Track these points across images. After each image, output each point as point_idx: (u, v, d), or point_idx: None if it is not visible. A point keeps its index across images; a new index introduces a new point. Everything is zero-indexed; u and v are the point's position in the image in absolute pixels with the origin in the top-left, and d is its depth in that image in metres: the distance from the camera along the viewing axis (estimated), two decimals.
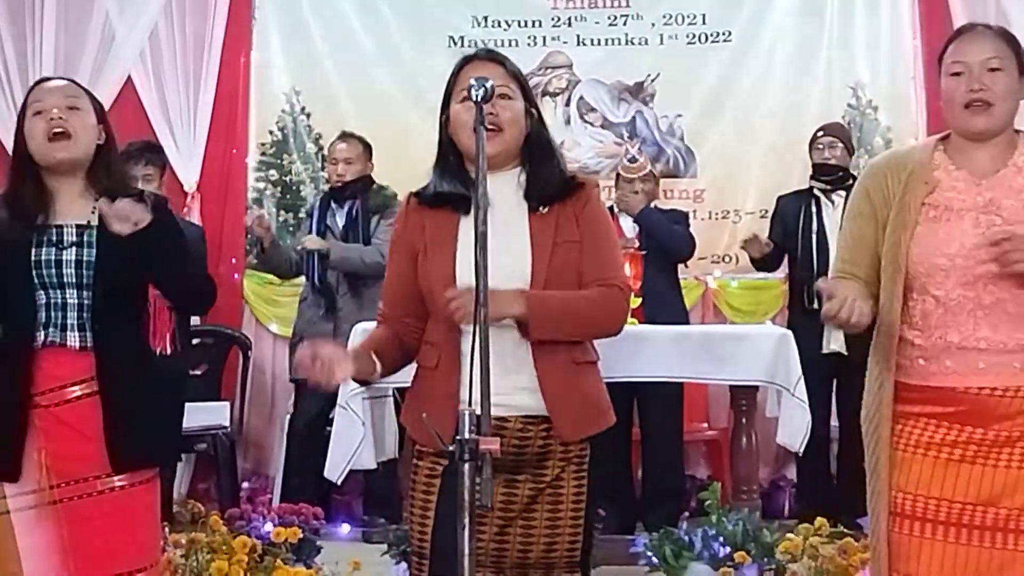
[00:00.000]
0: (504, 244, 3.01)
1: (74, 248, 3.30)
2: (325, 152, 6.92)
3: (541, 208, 3.17)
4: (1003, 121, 3.08)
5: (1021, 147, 3.11)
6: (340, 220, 6.42)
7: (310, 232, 6.42)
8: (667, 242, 6.21)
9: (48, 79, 3.50)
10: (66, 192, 3.37)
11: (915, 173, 3.12)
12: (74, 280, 3.28)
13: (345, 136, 6.58)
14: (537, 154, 3.19)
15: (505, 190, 3.13)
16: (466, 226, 3.12)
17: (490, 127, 3.02)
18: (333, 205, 6.47)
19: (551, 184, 3.17)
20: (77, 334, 3.29)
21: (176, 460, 4.38)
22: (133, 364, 3.32)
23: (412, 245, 3.21)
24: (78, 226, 3.33)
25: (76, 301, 3.29)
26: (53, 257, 3.28)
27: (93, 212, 3.34)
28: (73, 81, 3.52)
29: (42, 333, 3.28)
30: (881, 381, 3.12)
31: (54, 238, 3.31)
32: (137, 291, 3.43)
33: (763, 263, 6.49)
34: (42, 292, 3.29)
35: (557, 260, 3.13)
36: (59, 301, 3.29)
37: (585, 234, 3.17)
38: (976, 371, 3.02)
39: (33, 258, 3.28)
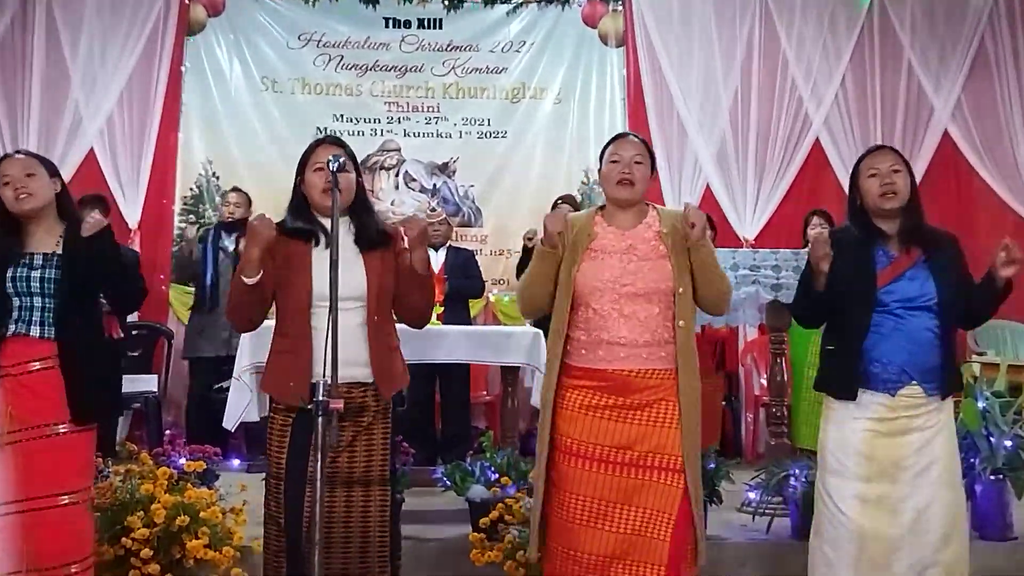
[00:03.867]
0: (348, 267, 3.08)
1: (41, 269, 3.26)
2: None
3: (371, 250, 3.23)
4: (639, 194, 3.17)
5: (650, 213, 3.20)
6: (229, 245, 6.32)
7: (203, 252, 6.31)
8: (467, 290, 6.28)
9: (10, 154, 3.39)
10: (36, 230, 3.32)
11: (583, 229, 3.17)
12: (39, 290, 3.24)
13: (236, 189, 6.65)
14: (359, 209, 3.23)
15: (342, 231, 3.12)
16: (317, 254, 3.14)
17: (329, 190, 3.07)
18: (223, 233, 6.38)
19: (372, 230, 3.20)
20: (39, 327, 3.25)
21: (119, 415, 4.23)
22: (86, 348, 3.26)
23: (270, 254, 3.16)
24: (45, 254, 3.29)
25: (40, 305, 3.25)
26: (25, 274, 3.25)
27: (57, 244, 3.29)
28: (29, 153, 3.42)
29: (12, 326, 3.24)
30: (553, 363, 3.14)
31: (26, 261, 3.27)
32: (89, 297, 3.36)
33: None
34: (15, 298, 3.25)
35: (385, 283, 3.18)
36: (27, 305, 3.25)
37: (399, 266, 3.21)
38: (619, 359, 3.08)
39: (8, 275, 3.25)
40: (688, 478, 3.02)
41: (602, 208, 3.24)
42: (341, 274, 2.89)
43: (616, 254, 3.12)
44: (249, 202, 6.52)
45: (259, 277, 3.05)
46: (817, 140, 7.55)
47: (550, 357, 3.16)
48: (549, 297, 3.15)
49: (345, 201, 3.17)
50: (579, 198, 7.18)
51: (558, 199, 6.67)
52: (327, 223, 3.12)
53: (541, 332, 5.13)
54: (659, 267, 3.11)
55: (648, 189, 3.24)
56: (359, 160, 3.42)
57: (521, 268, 6.28)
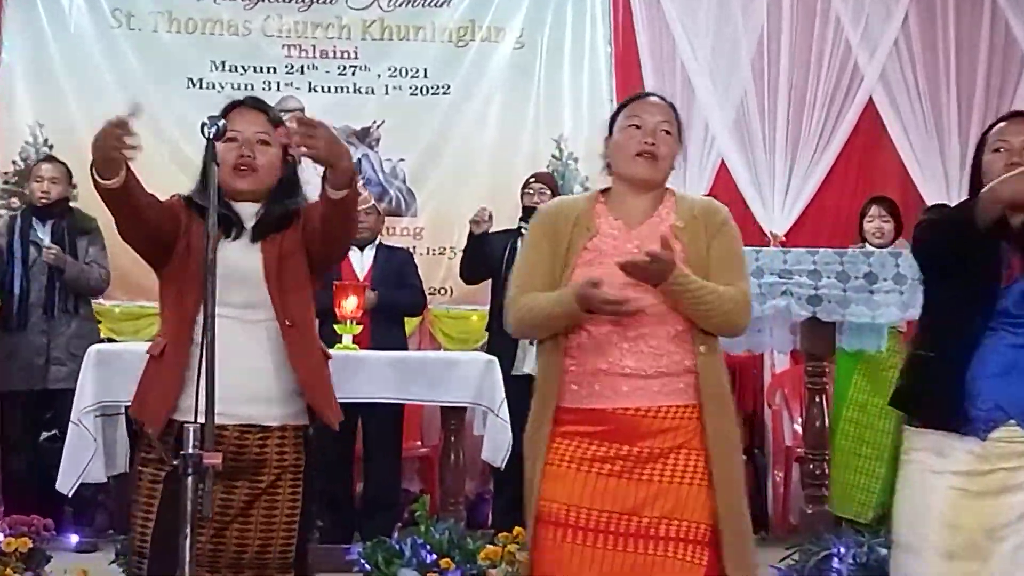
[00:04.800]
0: (239, 265, 3.18)
1: None
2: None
3: (267, 236, 3.25)
4: (663, 174, 3.23)
5: (667, 201, 3.25)
6: (45, 237, 6.20)
7: (9, 247, 6.16)
8: (402, 304, 6.34)
9: None
10: None
11: (580, 220, 3.22)
12: None
13: (50, 158, 6.44)
14: (282, 195, 3.28)
15: (250, 222, 3.24)
16: (221, 249, 3.11)
17: (243, 167, 3.20)
18: (35, 222, 6.23)
19: (274, 215, 3.25)
20: None
21: None
22: None
23: (181, 223, 3.25)
24: None
25: None
26: None
27: None
28: None
29: None
30: (544, 403, 3.17)
31: None
32: None
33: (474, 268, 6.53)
34: None
35: (292, 266, 3.24)
36: None
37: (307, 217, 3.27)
38: (622, 395, 3.11)
39: None
40: (724, 553, 3.04)
41: (605, 192, 3.30)
42: (233, 276, 3.00)
43: (620, 257, 3.15)
44: (69, 176, 6.31)
45: (121, 179, 3.04)
46: (870, 101, 7.62)
47: (542, 393, 3.19)
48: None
49: (261, 183, 3.25)
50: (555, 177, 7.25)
51: (531, 178, 6.69)
52: (243, 210, 3.22)
53: (495, 360, 5.32)
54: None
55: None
56: None
57: (468, 263, 6.52)
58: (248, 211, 3.25)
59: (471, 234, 6.38)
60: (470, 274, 6.61)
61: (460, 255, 6.71)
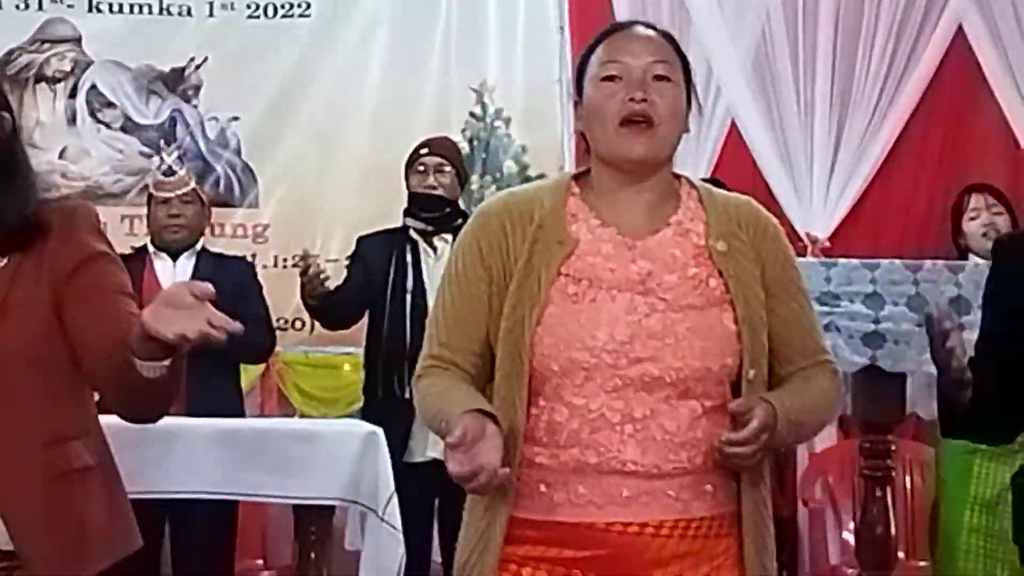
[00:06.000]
0: None
1: None
2: None
3: None
4: (667, 148, 3.18)
5: (685, 199, 3.23)
6: None
7: None
8: (238, 344, 6.12)
9: None
10: None
11: (546, 227, 3.19)
12: None
13: None
14: None
15: None
16: None
17: None
18: None
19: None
20: None
21: None
22: None
23: None
24: None
25: None
26: None
27: None
28: None
29: None
30: (491, 513, 3.15)
31: None
32: None
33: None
34: None
35: (28, 319, 3.18)
36: None
37: (80, 296, 3.20)
38: (619, 501, 3.10)
39: None
40: None
41: (580, 179, 3.30)
42: None
43: (619, 290, 3.16)
44: None
45: None
46: (960, 31, 7.77)
47: (489, 498, 3.16)
48: None
49: None
50: (464, 146, 7.26)
51: (420, 148, 6.60)
52: None
53: (381, 432, 5.37)
54: (707, 323, 3.17)
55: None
56: None
57: (325, 315, 6.61)
58: None
59: (302, 282, 6.35)
60: (334, 321, 6.66)
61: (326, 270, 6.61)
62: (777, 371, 3.21)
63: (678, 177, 3.28)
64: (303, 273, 6.23)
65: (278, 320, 7.18)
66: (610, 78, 3.17)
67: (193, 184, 6.48)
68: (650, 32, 3.27)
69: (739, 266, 3.18)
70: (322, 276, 6.21)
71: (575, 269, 3.14)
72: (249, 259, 6.96)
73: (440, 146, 6.60)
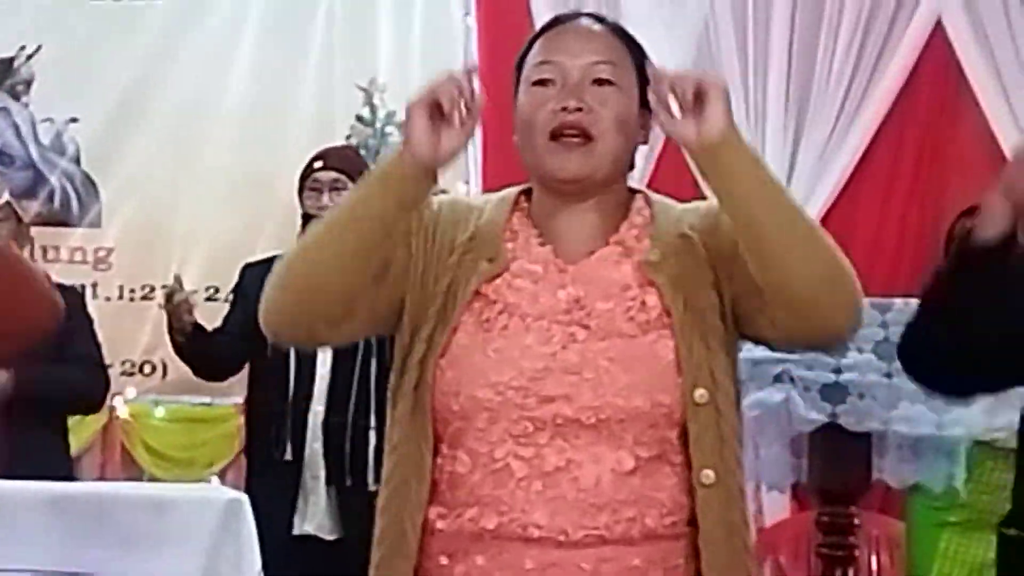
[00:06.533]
0: None
1: None
2: None
3: None
4: (607, 162, 3.16)
5: (633, 215, 3.23)
6: None
7: None
8: (60, 389, 6.32)
9: None
10: None
11: (478, 240, 3.20)
12: None
13: None
14: None
15: None
16: None
17: None
18: None
19: None
20: None
21: None
22: None
23: None
24: None
25: None
26: None
27: None
28: None
29: None
30: None
31: None
32: None
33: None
34: None
35: None
36: None
37: None
38: (521, 575, 3.09)
39: None
40: None
41: (528, 195, 3.32)
42: None
43: (536, 318, 3.16)
44: None
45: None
46: (937, 26, 7.87)
47: (383, 569, 3.17)
48: (357, 288, 3.15)
49: None
50: (362, 158, 7.15)
51: (314, 161, 6.49)
52: None
53: (246, 500, 5.41)
54: (635, 353, 3.15)
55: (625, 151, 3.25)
56: None
57: (184, 354, 6.58)
58: None
59: (168, 314, 6.34)
60: (211, 369, 6.63)
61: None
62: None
63: (635, 192, 3.28)
64: (167, 300, 6.21)
65: (123, 363, 7.33)
66: (542, 82, 3.16)
67: (7, 196, 6.45)
68: (595, 27, 3.26)
69: (675, 268, 3.15)
70: (188, 304, 6.19)
71: (496, 291, 3.15)
72: (80, 288, 6.91)
73: (338, 159, 6.49)
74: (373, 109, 7.82)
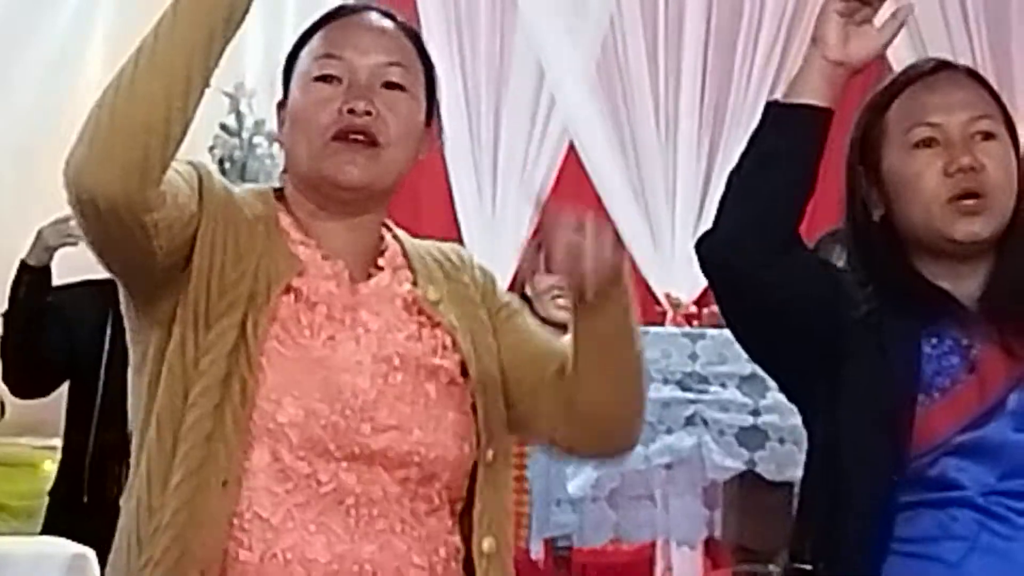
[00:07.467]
0: None
1: None
2: None
3: None
4: (392, 178, 3.24)
5: (388, 239, 3.29)
6: None
7: None
8: None
9: None
10: None
11: (272, 238, 3.16)
12: None
13: None
14: None
15: None
16: None
17: None
18: None
19: None
20: None
21: None
22: None
23: None
24: None
25: None
26: None
27: None
28: None
29: None
30: None
31: None
32: None
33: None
34: None
35: None
36: None
37: None
38: None
39: None
40: None
41: (281, 196, 3.29)
42: None
43: (325, 328, 3.16)
44: None
45: None
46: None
47: None
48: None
49: None
50: (213, 168, 6.84)
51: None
52: None
53: (91, 554, 5.40)
54: (436, 399, 3.16)
55: (407, 160, 3.22)
56: None
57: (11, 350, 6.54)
58: None
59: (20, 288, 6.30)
60: (16, 383, 6.56)
61: None
62: (534, 393, 3.16)
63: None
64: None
65: None
66: (325, 78, 3.13)
67: None
68: (386, 23, 3.26)
69: (461, 312, 3.21)
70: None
71: (307, 287, 3.11)
72: None
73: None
74: (239, 117, 7.73)
